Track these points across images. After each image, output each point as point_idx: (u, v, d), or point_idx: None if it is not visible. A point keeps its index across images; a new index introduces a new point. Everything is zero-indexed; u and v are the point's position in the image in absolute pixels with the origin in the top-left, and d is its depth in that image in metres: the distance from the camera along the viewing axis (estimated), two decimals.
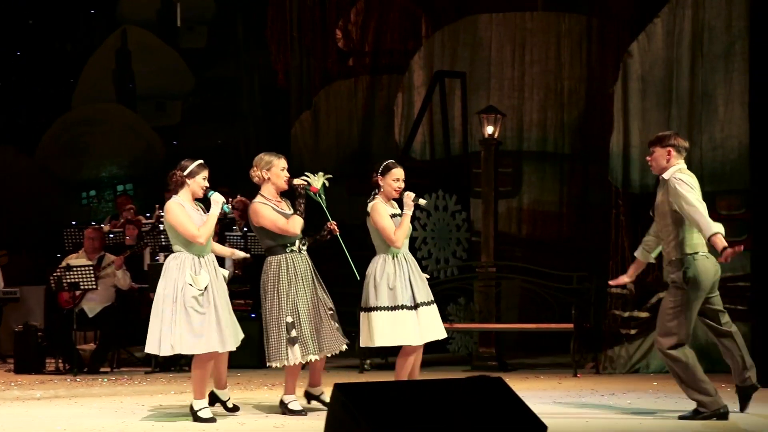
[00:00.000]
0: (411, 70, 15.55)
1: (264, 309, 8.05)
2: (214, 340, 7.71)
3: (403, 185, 8.24)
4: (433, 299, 8.19)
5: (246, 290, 13.16)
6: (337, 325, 8.07)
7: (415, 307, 8.05)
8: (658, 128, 11.74)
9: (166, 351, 7.76)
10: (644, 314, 11.55)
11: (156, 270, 12.49)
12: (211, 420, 7.70)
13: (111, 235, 14.10)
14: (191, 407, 7.86)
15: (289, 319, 7.88)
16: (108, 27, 19.01)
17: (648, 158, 7.83)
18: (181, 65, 18.99)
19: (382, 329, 8.02)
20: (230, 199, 14.00)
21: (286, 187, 8.11)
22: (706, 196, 11.35)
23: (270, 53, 17.76)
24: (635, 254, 8.05)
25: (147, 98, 18.84)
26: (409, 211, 8.16)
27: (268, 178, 8.08)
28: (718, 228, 7.32)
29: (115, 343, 12.62)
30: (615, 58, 12.63)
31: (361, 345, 8.27)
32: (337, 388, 5.90)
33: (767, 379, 9.76)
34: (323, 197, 8.16)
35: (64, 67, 18.78)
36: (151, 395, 9.72)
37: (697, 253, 7.48)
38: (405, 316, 8.00)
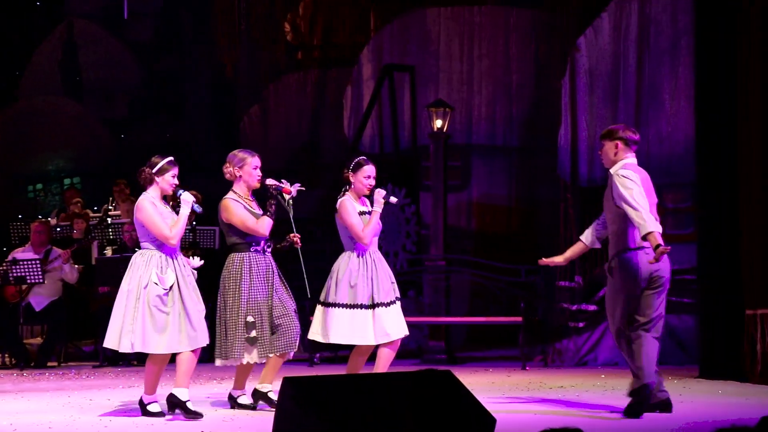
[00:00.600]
0: (360, 63, 15.55)
1: (221, 304, 7.96)
2: (174, 340, 7.66)
3: (374, 182, 8.19)
4: (395, 298, 8.11)
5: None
6: (296, 329, 7.95)
7: (373, 306, 8.02)
8: (605, 122, 11.84)
9: (125, 348, 7.70)
10: (592, 307, 11.64)
11: (104, 264, 12.45)
12: (160, 414, 7.68)
13: (58, 229, 14.00)
14: (141, 401, 7.83)
15: (250, 319, 7.83)
16: (54, 19, 18.85)
17: (599, 152, 7.85)
18: (128, 58, 18.87)
19: (338, 326, 7.99)
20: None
21: (257, 185, 8.02)
22: (654, 189, 11.56)
23: (218, 46, 17.70)
24: (581, 237, 8.04)
25: (94, 91, 18.71)
26: (378, 209, 8.10)
27: (240, 176, 8.00)
28: (655, 227, 7.26)
29: (62, 337, 12.54)
30: (563, 52, 12.71)
31: (310, 337, 8.26)
32: (286, 381, 5.91)
33: (713, 372, 9.90)
34: (291, 206, 8.05)
35: (10, 59, 18.60)
36: (99, 390, 9.66)
37: (636, 248, 7.47)
38: (362, 315, 7.98)
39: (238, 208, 7.91)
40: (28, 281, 12.07)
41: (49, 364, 12.23)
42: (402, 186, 14.07)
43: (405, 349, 13.01)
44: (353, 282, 7.99)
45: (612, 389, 9.22)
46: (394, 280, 8.16)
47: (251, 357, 7.88)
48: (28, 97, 18.60)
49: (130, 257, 12.02)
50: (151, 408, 7.76)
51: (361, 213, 8.12)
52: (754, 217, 9.59)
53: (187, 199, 7.87)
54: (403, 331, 8.12)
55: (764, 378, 9.31)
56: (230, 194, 8.03)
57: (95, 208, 14.91)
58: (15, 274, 12.03)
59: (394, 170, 14.38)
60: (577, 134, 12.01)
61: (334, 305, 8.02)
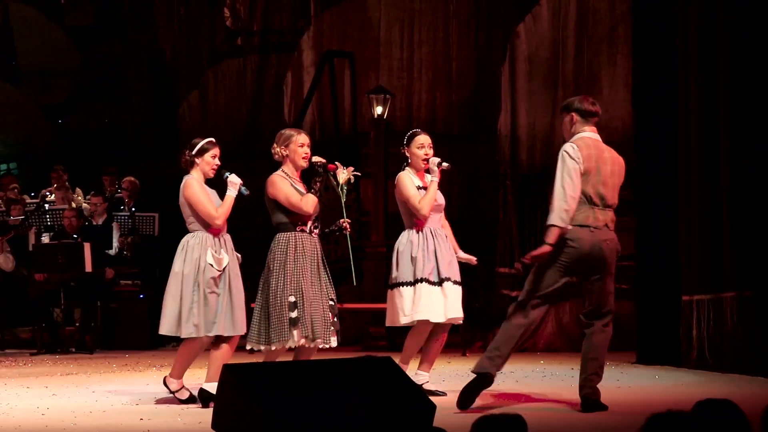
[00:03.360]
0: (300, 49, 15.52)
1: (263, 288, 7.59)
2: (222, 324, 7.48)
3: (430, 152, 7.93)
4: (459, 280, 7.81)
5: (135, 272, 13.05)
6: (335, 318, 7.62)
7: (440, 282, 7.72)
8: (544, 109, 11.93)
9: (189, 332, 7.47)
10: None
11: (41, 251, 12.33)
12: (191, 400, 7.59)
13: None
14: (165, 382, 7.75)
15: (292, 299, 7.46)
16: None
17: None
18: (66, 42, 18.67)
19: (403, 306, 7.73)
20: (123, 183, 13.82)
21: (305, 165, 7.67)
22: None
23: (157, 31, 17.56)
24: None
25: (31, 76, 18.50)
26: (435, 178, 7.82)
27: (287, 155, 7.68)
28: (559, 221, 6.74)
29: None
30: (503, 39, 12.75)
31: (387, 324, 8.02)
32: (227, 369, 5.89)
33: (650, 358, 10.01)
34: (344, 192, 7.74)
35: None
36: (36, 377, 9.58)
37: (578, 226, 6.90)
38: (427, 290, 7.68)
39: (284, 184, 7.56)
40: None
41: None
42: None
43: (345, 336, 13.03)
44: (414, 254, 7.71)
45: (551, 375, 9.29)
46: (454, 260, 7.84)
47: (293, 340, 7.51)
48: None
49: (69, 243, 12.07)
50: (180, 395, 7.67)
51: (419, 188, 7.87)
52: (691, 204, 9.70)
53: (234, 180, 7.60)
54: (461, 313, 7.86)
55: (700, 364, 9.43)
56: (279, 171, 7.69)
57: (32, 194, 14.75)
58: None
59: (335, 157, 14.33)
60: (517, 121, 12.07)
61: (398, 284, 7.77)
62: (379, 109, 12.93)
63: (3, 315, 12.48)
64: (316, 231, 7.64)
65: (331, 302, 7.62)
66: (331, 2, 15.53)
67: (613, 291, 7.06)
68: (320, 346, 7.55)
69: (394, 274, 7.82)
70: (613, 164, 6.98)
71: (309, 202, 7.53)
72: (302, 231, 7.54)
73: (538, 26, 12.09)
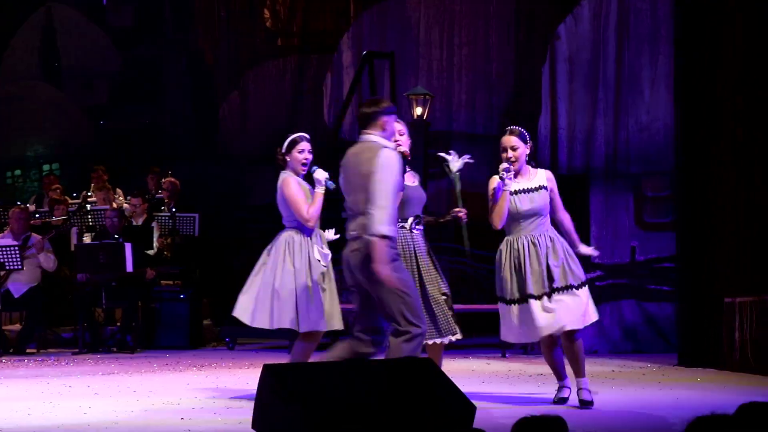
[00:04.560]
0: (340, 50, 15.54)
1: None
2: (332, 318, 7.51)
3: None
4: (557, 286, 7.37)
5: (175, 272, 13.12)
6: (451, 312, 7.44)
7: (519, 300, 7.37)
8: (585, 110, 11.87)
9: (312, 327, 7.48)
10: None
11: (83, 251, 12.40)
12: None
13: (37, 215, 13.96)
14: None
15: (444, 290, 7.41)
16: (33, 4, 18.73)
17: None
18: (107, 44, 18.77)
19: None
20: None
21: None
22: (634, 178, 11.61)
23: (197, 32, 17.63)
24: None
25: (73, 77, 18.61)
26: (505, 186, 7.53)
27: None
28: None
29: (41, 324, 12.50)
30: (543, 40, 12.71)
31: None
32: (266, 369, 5.91)
33: (691, 359, 9.94)
34: (458, 180, 7.58)
35: None
36: (78, 376, 9.64)
37: None
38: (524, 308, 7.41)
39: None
40: (7, 267, 12.03)
41: (28, 350, 12.19)
42: None
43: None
44: (501, 273, 7.51)
45: (591, 377, 9.24)
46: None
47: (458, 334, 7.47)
48: (6, 82, 18.50)
49: (110, 243, 12.14)
50: None
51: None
52: (734, 205, 9.63)
53: (319, 177, 7.57)
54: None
55: (742, 366, 9.36)
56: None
57: (74, 194, 14.85)
58: None
59: None
60: (557, 122, 12.02)
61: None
62: (418, 110, 12.93)
63: (45, 315, 12.57)
64: (419, 228, 7.41)
65: (444, 296, 7.40)
66: (370, 3, 15.54)
67: (385, 304, 6.54)
68: (447, 340, 7.43)
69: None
70: (353, 168, 6.64)
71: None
72: (402, 228, 7.33)
73: (579, 27, 12.03)
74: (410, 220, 7.38)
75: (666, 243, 11.09)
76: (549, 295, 7.30)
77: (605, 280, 11.51)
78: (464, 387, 6.20)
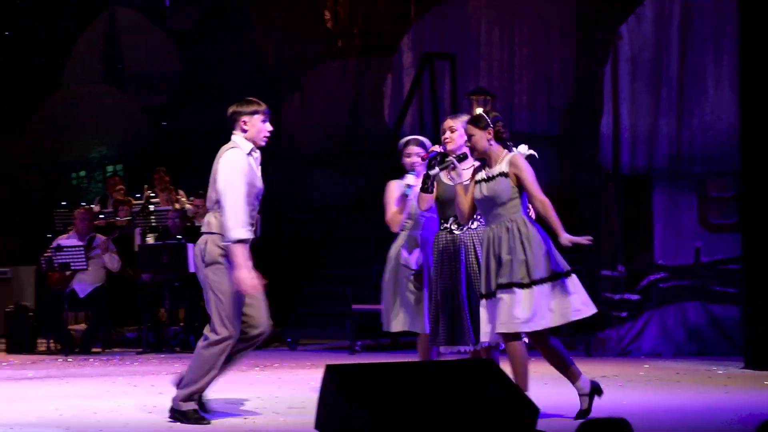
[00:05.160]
0: (400, 51, 15.54)
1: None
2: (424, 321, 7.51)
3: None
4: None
5: None
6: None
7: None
8: (647, 110, 11.79)
9: (396, 327, 7.58)
10: (635, 297, 11.60)
11: (146, 251, 12.51)
12: None
13: (101, 216, 14.10)
14: None
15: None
16: (96, 7, 18.92)
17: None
18: (169, 45, 18.91)
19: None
20: None
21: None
22: (697, 178, 11.51)
23: (258, 34, 17.71)
24: None
25: (136, 78, 18.77)
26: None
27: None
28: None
29: (106, 323, 12.63)
30: (604, 39, 12.62)
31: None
32: (329, 369, 5.92)
33: (758, 362, 9.82)
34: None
35: (54, 47, 18.70)
36: (142, 375, 9.74)
37: None
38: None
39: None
40: (72, 267, 12.18)
41: (94, 349, 12.33)
42: None
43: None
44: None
45: (656, 380, 9.19)
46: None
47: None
48: (70, 85, 18.69)
49: (173, 244, 12.23)
50: None
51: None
52: None
53: (408, 182, 7.60)
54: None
55: None
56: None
57: (137, 195, 14.98)
58: (59, 261, 12.14)
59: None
60: (620, 122, 11.93)
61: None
62: (479, 111, 12.89)
63: (110, 314, 12.69)
64: (467, 228, 7.21)
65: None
66: (431, 4, 15.53)
67: (208, 303, 6.91)
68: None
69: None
70: (214, 166, 6.95)
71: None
72: (444, 229, 7.28)
73: (642, 26, 11.94)
74: (451, 219, 7.24)
75: (731, 244, 10.98)
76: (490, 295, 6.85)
77: (669, 281, 11.42)
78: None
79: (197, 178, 15.22)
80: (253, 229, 6.95)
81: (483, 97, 13.01)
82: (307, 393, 8.05)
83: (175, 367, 10.50)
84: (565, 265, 6.88)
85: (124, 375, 9.82)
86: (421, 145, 7.66)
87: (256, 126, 6.94)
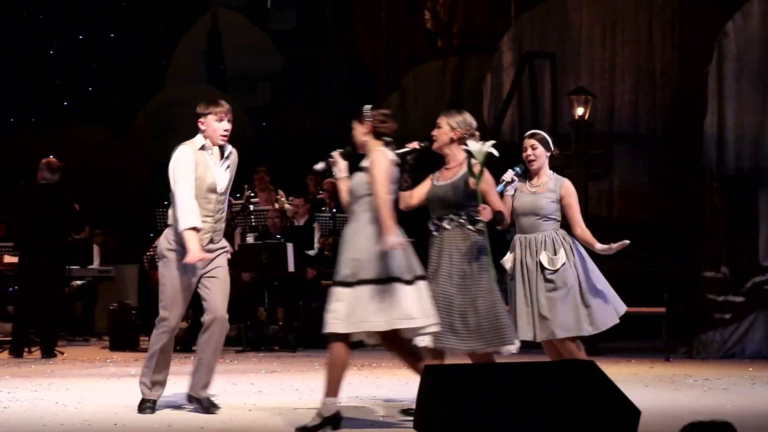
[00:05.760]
0: (500, 51, 15.48)
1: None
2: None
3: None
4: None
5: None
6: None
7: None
8: (753, 110, 11.59)
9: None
10: (739, 298, 11.40)
11: (246, 251, 12.60)
12: None
13: None
14: None
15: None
16: (199, 9, 19.17)
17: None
18: (270, 47, 19.07)
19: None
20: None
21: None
22: None
23: (358, 34, 17.79)
24: None
25: (237, 79, 18.98)
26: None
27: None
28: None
29: None
30: (709, 38, 12.44)
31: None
32: (428, 369, 5.91)
33: None
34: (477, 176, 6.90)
35: (156, 48, 18.98)
36: (242, 374, 9.81)
37: None
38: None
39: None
40: None
41: (194, 348, 12.44)
42: None
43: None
44: None
45: (761, 382, 9.01)
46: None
47: None
48: (173, 85, 18.96)
49: (273, 243, 12.30)
50: None
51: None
52: None
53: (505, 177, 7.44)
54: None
55: None
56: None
57: (237, 195, 15.11)
58: None
59: None
60: (724, 122, 11.75)
61: None
62: (580, 110, 12.79)
63: None
64: (443, 228, 7.03)
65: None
66: (531, 3, 15.45)
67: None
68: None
69: None
70: None
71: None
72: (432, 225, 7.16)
73: (749, 24, 11.74)
74: (432, 219, 7.10)
75: None
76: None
77: None
78: (627, 391, 6.09)
79: (297, 177, 15.36)
80: (217, 219, 7.41)
81: (583, 97, 12.89)
82: (405, 393, 8.04)
83: (274, 365, 10.58)
84: (401, 271, 6.59)
85: (223, 373, 9.89)
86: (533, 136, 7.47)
87: (210, 126, 7.48)
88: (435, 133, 7.18)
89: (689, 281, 11.71)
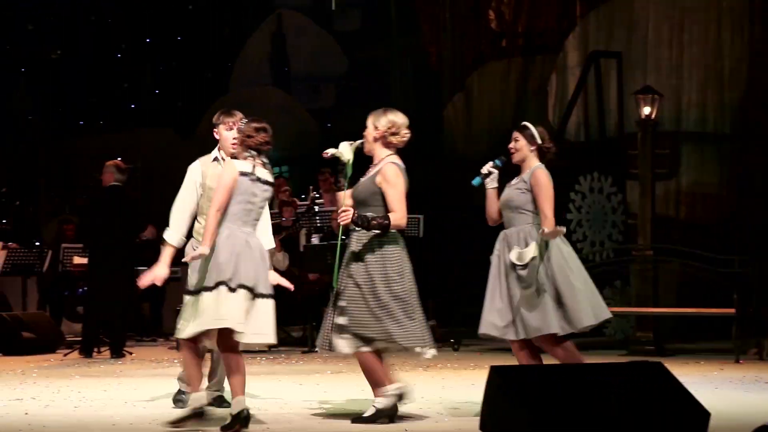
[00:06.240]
0: (565, 50, 15.39)
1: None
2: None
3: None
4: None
5: None
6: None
7: None
8: None
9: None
10: None
11: (312, 252, 12.64)
12: None
13: None
14: None
15: None
16: (264, 11, 19.28)
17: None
18: (335, 48, 19.13)
19: None
20: None
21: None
22: None
23: (422, 35, 17.78)
24: None
25: (302, 81, 19.06)
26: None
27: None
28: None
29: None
30: None
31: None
32: (494, 371, 5.89)
33: None
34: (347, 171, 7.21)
35: (222, 51, 19.12)
36: (308, 374, 9.84)
37: None
38: None
39: None
40: None
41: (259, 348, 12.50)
42: (608, 175, 13.85)
43: (611, 339, 12.80)
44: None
45: None
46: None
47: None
48: (238, 87, 19.08)
49: (335, 245, 12.31)
50: None
51: None
52: None
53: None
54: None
55: None
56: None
57: (302, 196, 15.17)
58: None
59: (600, 158, 14.17)
60: None
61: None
62: (646, 110, 12.66)
63: (277, 313, 12.84)
64: (355, 230, 7.24)
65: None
66: (596, 2, 15.34)
67: None
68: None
69: None
70: None
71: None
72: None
73: None
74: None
75: None
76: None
77: None
78: (697, 393, 6.03)
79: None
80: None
81: (650, 96, 12.77)
82: (471, 394, 8.02)
83: (340, 366, 10.59)
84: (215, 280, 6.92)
85: (289, 374, 9.94)
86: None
87: (222, 135, 7.56)
88: (365, 132, 7.48)
89: (759, 282, 11.55)
